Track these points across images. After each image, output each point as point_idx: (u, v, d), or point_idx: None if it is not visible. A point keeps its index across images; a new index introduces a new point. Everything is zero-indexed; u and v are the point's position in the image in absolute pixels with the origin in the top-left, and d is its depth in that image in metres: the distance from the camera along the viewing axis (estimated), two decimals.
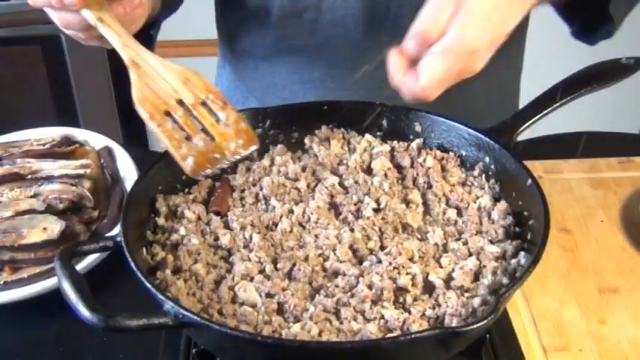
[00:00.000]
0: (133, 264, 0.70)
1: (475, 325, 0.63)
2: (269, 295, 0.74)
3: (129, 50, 0.82)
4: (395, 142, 0.93)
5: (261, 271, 0.77)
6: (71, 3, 0.80)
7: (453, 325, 0.69)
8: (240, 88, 1.22)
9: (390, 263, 0.75)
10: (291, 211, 0.84)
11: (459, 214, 0.85)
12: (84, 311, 0.65)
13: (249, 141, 0.83)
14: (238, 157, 0.82)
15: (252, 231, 0.81)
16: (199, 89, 0.82)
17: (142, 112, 0.80)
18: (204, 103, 0.82)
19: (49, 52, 2.03)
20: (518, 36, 1.19)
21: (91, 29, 0.84)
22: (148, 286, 0.68)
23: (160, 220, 0.83)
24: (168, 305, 0.66)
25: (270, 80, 1.15)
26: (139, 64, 0.81)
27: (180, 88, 0.82)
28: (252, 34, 1.14)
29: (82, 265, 0.90)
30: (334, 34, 1.06)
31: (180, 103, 0.81)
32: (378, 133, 0.93)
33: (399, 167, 0.91)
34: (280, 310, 0.73)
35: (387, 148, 0.92)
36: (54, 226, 0.95)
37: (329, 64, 1.09)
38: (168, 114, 0.80)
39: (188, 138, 0.80)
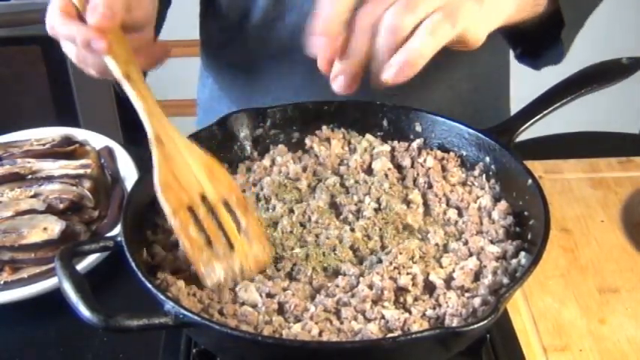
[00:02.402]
0: (133, 264, 0.70)
1: (475, 325, 0.63)
2: (269, 295, 0.73)
3: (154, 121, 0.75)
4: (395, 142, 0.92)
5: (262, 271, 0.77)
6: (99, 49, 0.73)
7: (454, 325, 0.69)
8: (223, 99, 1.21)
9: (391, 263, 0.75)
10: (291, 211, 0.84)
11: (460, 214, 0.85)
12: (84, 311, 0.65)
13: (264, 258, 0.76)
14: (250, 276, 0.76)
15: None
16: (223, 185, 0.76)
17: (165, 205, 0.73)
18: (226, 203, 0.76)
19: (49, 52, 2.03)
20: None
21: (105, 71, 0.78)
22: (149, 286, 0.68)
23: (161, 220, 0.82)
24: (169, 305, 0.66)
25: (253, 88, 1.14)
26: (163, 143, 0.75)
27: (204, 180, 0.75)
28: (233, 42, 1.12)
29: (82, 265, 0.90)
30: None
31: (203, 198, 0.75)
32: (379, 133, 0.93)
33: (399, 167, 0.91)
34: (281, 310, 0.73)
35: (387, 148, 0.91)
36: (54, 226, 0.95)
37: (311, 69, 1.08)
38: (190, 209, 0.74)
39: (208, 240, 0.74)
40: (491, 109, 1.22)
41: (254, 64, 1.12)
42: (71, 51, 0.80)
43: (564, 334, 0.86)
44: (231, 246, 0.75)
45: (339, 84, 0.70)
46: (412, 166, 0.90)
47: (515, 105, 1.25)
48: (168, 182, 0.74)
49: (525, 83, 1.32)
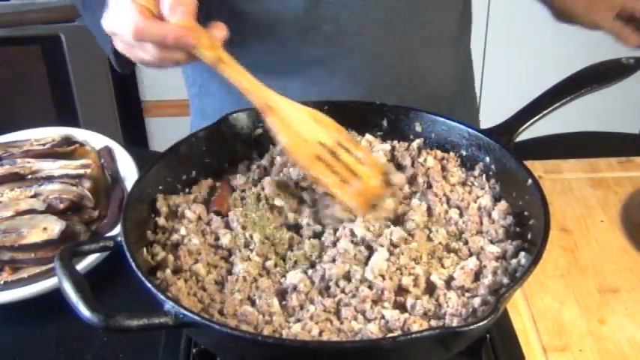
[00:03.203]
0: (133, 264, 0.70)
1: (475, 325, 0.63)
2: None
3: (256, 92, 0.80)
4: (395, 142, 0.93)
5: (262, 270, 0.77)
6: (189, 44, 0.76)
7: (454, 325, 0.69)
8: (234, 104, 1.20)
9: (394, 263, 0.75)
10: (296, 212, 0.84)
11: (460, 214, 0.85)
12: (84, 311, 0.65)
13: (382, 180, 0.84)
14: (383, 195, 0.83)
15: (253, 231, 0.81)
16: (332, 129, 0.83)
17: (299, 161, 0.81)
18: (339, 143, 0.83)
19: (49, 52, 2.03)
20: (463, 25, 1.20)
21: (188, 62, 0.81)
22: (149, 286, 0.68)
23: (161, 220, 0.82)
24: (169, 305, 0.66)
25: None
26: (272, 108, 0.80)
27: (316, 129, 0.82)
28: (255, 50, 1.10)
29: (82, 265, 0.90)
30: (353, 44, 1.06)
31: (321, 144, 0.82)
32: (379, 133, 0.93)
33: (399, 167, 0.91)
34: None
35: (387, 147, 0.92)
36: (54, 226, 0.95)
37: (311, 80, 1.09)
38: (318, 158, 0.81)
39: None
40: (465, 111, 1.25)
41: (284, 72, 1.11)
42: (150, 53, 0.80)
43: (564, 334, 0.86)
44: (356, 177, 0.82)
45: None
46: (412, 165, 0.90)
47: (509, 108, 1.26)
48: (295, 141, 0.80)
49: (528, 83, 1.32)
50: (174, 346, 0.83)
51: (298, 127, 0.81)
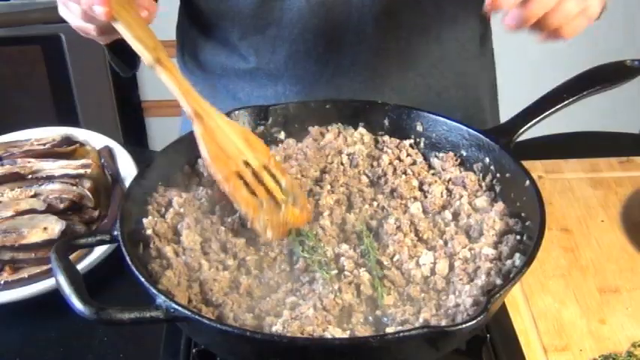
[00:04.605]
0: (127, 257, 0.70)
1: (464, 325, 0.63)
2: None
3: (190, 99, 0.80)
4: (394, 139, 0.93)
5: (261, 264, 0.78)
6: (100, 13, 0.76)
7: (442, 324, 0.69)
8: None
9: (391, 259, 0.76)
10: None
11: (455, 214, 0.84)
12: (77, 303, 0.66)
13: (307, 212, 0.83)
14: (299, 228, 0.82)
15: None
16: (260, 152, 0.83)
17: (216, 173, 0.80)
18: (265, 167, 0.82)
19: (49, 52, 2.03)
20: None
21: (112, 33, 0.82)
22: (142, 279, 0.68)
23: (157, 216, 0.82)
24: (160, 299, 0.66)
25: (234, 95, 1.14)
26: (202, 117, 0.80)
27: (245, 148, 0.82)
28: (216, 51, 1.12)
29: (82, 265, 0.90)
30: (294, 50, 1.05)
31: (246, 164, 0.81)
32: (380, 132, 0.93)
33: (394, 167, 0.91)
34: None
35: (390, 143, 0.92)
36: (54, 226, 0.95)
37: (292, 80, 1.09)
38: (238, 175, 0.80)
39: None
40: (479, 114, 1.23)
41: (235, 73, 1.12)
42: (73, 14, 0.82)
43: (564, 334, 0.86)
44: (276, 204, 0.81)
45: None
46: (414, 164, 0.90)
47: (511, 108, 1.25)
48: (216, 153, 0.80)
49: (528, 85, 1.32)
50: (174, 346, 0.83)
51: (224, 141, 0.81)
